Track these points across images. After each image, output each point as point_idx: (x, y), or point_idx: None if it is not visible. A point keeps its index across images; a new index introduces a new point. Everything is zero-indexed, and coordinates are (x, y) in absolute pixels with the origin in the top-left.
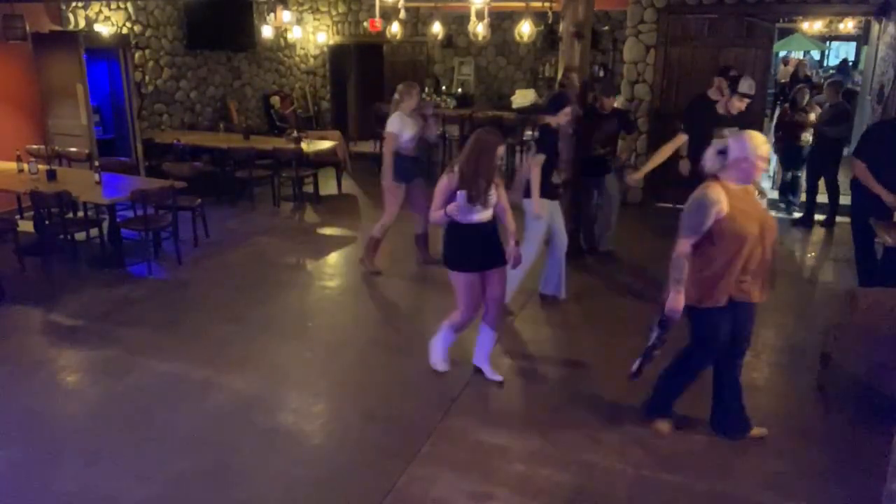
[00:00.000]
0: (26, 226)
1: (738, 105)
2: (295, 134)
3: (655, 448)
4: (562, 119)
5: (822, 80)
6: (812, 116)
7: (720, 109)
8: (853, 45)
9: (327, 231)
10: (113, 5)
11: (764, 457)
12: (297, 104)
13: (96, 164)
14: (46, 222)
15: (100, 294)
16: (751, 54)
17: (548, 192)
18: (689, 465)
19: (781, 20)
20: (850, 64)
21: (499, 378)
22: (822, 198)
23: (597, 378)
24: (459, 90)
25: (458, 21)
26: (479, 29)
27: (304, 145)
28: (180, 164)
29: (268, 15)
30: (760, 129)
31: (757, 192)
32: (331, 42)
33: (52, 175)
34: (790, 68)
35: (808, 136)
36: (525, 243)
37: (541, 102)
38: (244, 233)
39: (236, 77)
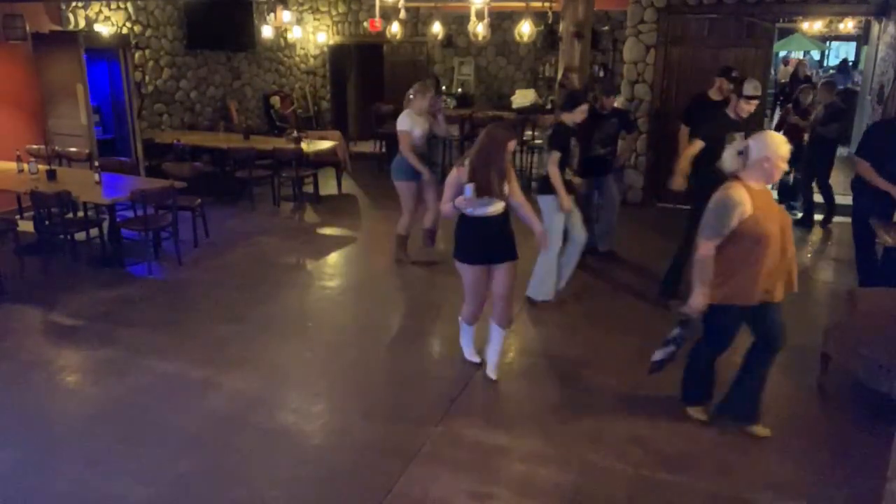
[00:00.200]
0: (26, 226)
1: (747, 108)
2: (295, 134)
3: (655, 448)
4: (577, 117)
5: (822, 81)
6: (812, 117)
7: (731, 114)
8: (853, 45)
9: (327, 231)
10: (113, 5)
11: (764, 457)
12: (297, 104)
13: (96, 164)
14: (46, 222)
15: (100, 294)
16: (751, 54)
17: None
18: (689, 465)
19: (781, 20)
20: (850, 64)
21: (493, 376)
22: (818, 197)
23: (597, 378)
24: (459, 90)
25: (458, 21)
26: (479, 29)
27: (304, 145)
28: (180, 164)
29: (268, 15)
30: (761, 129)
31: None
32: (331, 42)
33: (52, 175)
34: (790, 68)
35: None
36: (549, 242)
37: (541, 102)
38: (244, 233)
39: (236, 77)
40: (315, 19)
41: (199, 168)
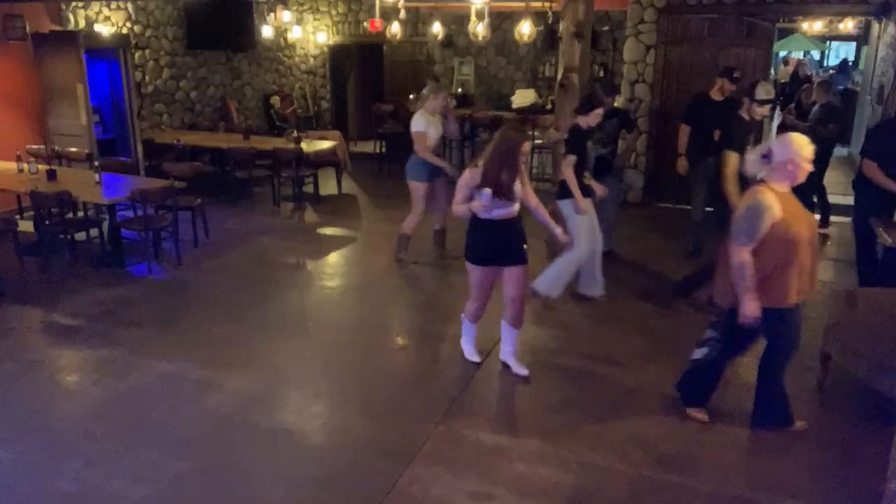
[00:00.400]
0: (26, 226)
1: (760, 111)
2: (295, 134)
3: (655, 448)
4: (592, 120)
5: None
6: (809, 118)
7: (745, 116)
8: (853, 45)
9: (327, 231)
10: (113, 5)
11: (764, 457)
12: (297, 104)
13: (96, 164)
14: (46, 222)
15: (100, 294)
16: (751, 54)
17: (581, 189)
18: (689, 465)
19: (781, 20)
20: (850, 64)
21: (524, 372)
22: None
23: (597, 378)
24: (459, 90)
25: (458, 21)
26: (479, 29)
27: (304, 145)
28: (180, 164)
29: (268, 15)
30: (761, 129)
31: None
32: (331, 42)
33: (52, 175)
34: (790, 68)
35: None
36: (575, 243)
37: (541, 102)
38: (244, 233)
39: (236, 77)
40: (315, 19)
41: (199, 168)
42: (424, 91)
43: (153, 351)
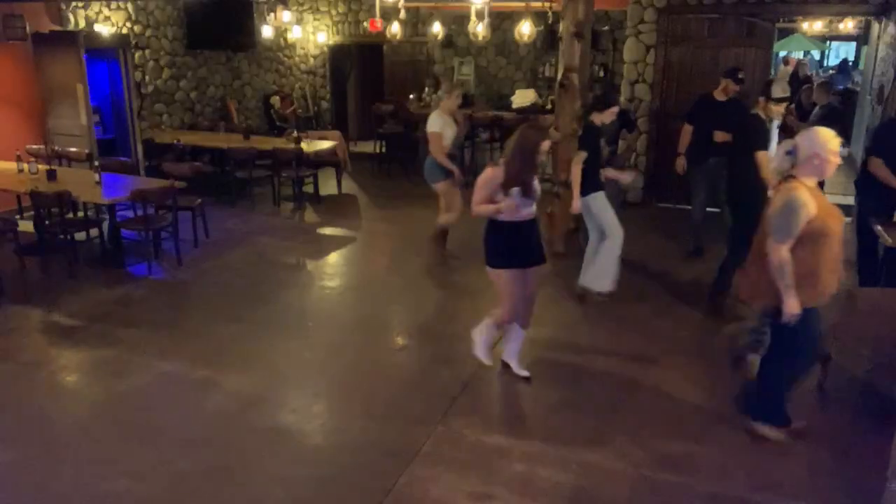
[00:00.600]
0: (26, 226)
1: (776, 109)
2: (295, 134)
3: (655, 448)
4: (607, 118)
5: (818, 81)
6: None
7: (761, 114)
8: (853, 45)
9: (327, 231)
10: (113, 5)
11: (764, 457)
12: (297, 104)
13: (96, 164)
14: (46, 222)
15: (100, 294)
16: (751, 54)
17: (598, 185)
18: (689, 465)
19: (781, 20)
20: (850, 64)
21: (525, 373)
22: None
23: (597, 377)
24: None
25: (458, 21)
26: (479, 29)
27: (304, 145)
28: (180, 164)
29: (268, 15)
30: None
31: None
32: (331, 42)
33: (52, 175)
34: (790, 68)
35: None
36: (608, 238)
37: (541, 102)
38: (244, 233)
39: (236, 77)
40: (315, 19)
41: (199, 168)
42: (440, 92)
43: (153, 351)
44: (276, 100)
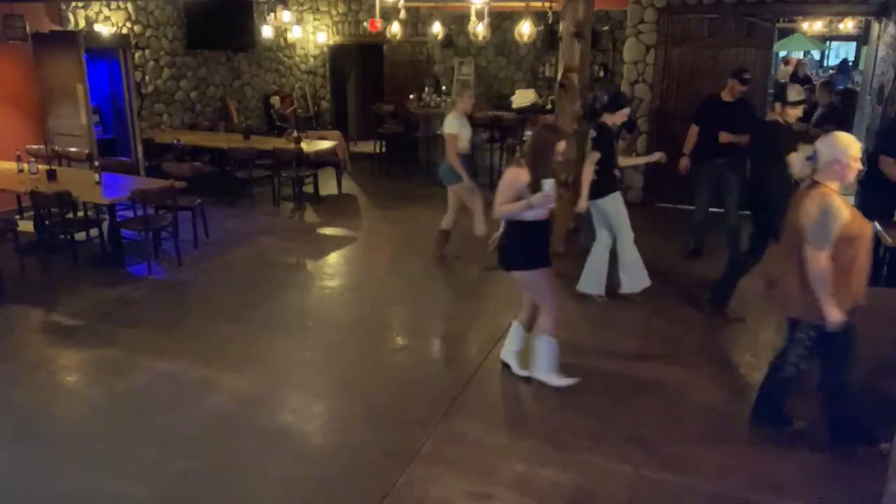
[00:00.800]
0: (26, 226)
1: (793, 112)
2: (295, 134)
3: (655, 448)
4: (619, 119)
5: (820, 81)
6: (813, 119)
7: (779, 119)
8: (853, 45)
9: (327, 231)
10: (113, 5)
11: (764, 457)
12: (297, 104)
13: (96, 164)
14: (46, 222)
15: (100, 294)
16: (751, 54)
17: (613, 186)
18: (689, 465)
19: (781, 20)
20: (850, 64)
21: (526, 374)
22: None
23: (597, 377)
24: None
25: (458, 21)
26: (479, 29)
27: (304, 145)
28: (180, 164)
29: (268, 15)
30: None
31: None
32: (331, 42)
33: (52, 175)
34: (790, 68)
35: None
36: (619, 240)
37: (541, 102)
38: (244, 233)
39: (236, 77)
40: (315, 19)
41: (199, 168)
42: (453, 95)
43: (153, 351)
44: (276, 100)
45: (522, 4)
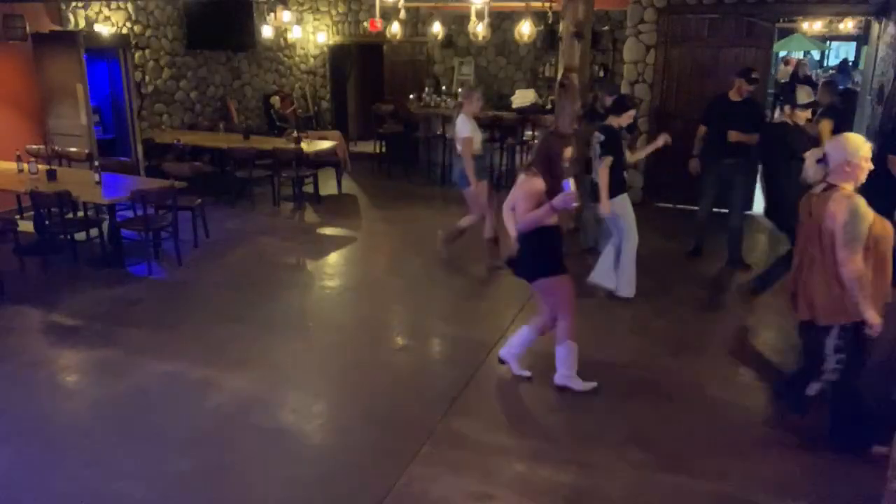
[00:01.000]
0: (26, 226)
1: (803, 115)
2: (295, 134)
3: (655, 448)
4: (624, 121)
5: (823, 81)
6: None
7: (788, 122)
8: (853, 45)
9: (327, 231)
10: (113, 5)
11: (764, 457)
12: (297, 104)
13: (96, 164)
14: (46, 222)
15: (100, 294)
16: (751, 54)
17: (622, 187)
18: (689, 465)
19: (781, 20)
20: (850, 64)
21: (527, 374)
22: None
23: (597, 377)
24: (459, 90)
25: (458, 21)
26: (479, 29)
27: (304, 145)
28: (180, 164)
29: (268, 15)
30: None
31: None
32: (331, 42)
33: (52, 175)
34: (790, 68)
35: None
36: (623, 241)
37: (541, 102)
38: (244, 233)
39: (236, 77)
40: (315, 19)
41: (199, 168)
42: (459, 97)
43: (153, 351)
44: (276, 100)
45: (522, 4)
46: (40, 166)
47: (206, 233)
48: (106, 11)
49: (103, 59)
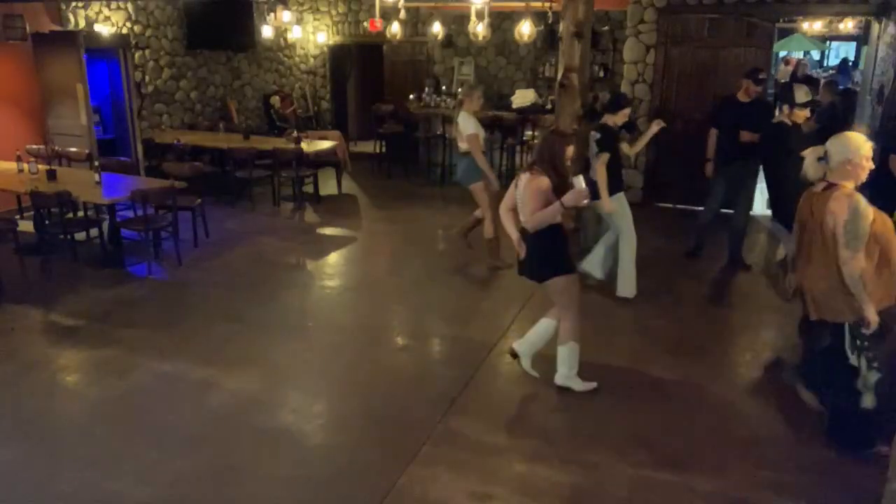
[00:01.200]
0: (26, 226)
1: (801, 114)
2: (295, 134)
3: (656, 448)
4: (620, 119)
5: (822, 80)
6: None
7: (786, 121)
8: (853, 45)
9: (327, 231)
10: (113, 5)
11: (763, 456)
12: (297, 104)
13: (96, 164)
14: (46, 222)
15: (100, 294)
16: (751, 54)
17: (619, 185)
18: (689, 465)
19: (781, 20)
20: (850, 64)
21: (535, 374)
22: None
23: (596, 377)
24: (459, 90)
25: (458, 21)
26: (479, 29)
27: (304, 145)
28: (180, 164)
29: (268, 15)
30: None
31: None
32: (331, 42)
33: (52, 175)
34: (790, 68)
35: None
36: (621, 240)
37: (541, 102)
38: (244, 233)
39: (236, 77)
40: (315, 19)
41: (199, 168)
42: (460, 96)
43: (153, 351)
44: (276, 100)
45: (522, 4)
46: (40, 166)
47: (206, 233)
48: (106, 11)
49: (103, 59)
